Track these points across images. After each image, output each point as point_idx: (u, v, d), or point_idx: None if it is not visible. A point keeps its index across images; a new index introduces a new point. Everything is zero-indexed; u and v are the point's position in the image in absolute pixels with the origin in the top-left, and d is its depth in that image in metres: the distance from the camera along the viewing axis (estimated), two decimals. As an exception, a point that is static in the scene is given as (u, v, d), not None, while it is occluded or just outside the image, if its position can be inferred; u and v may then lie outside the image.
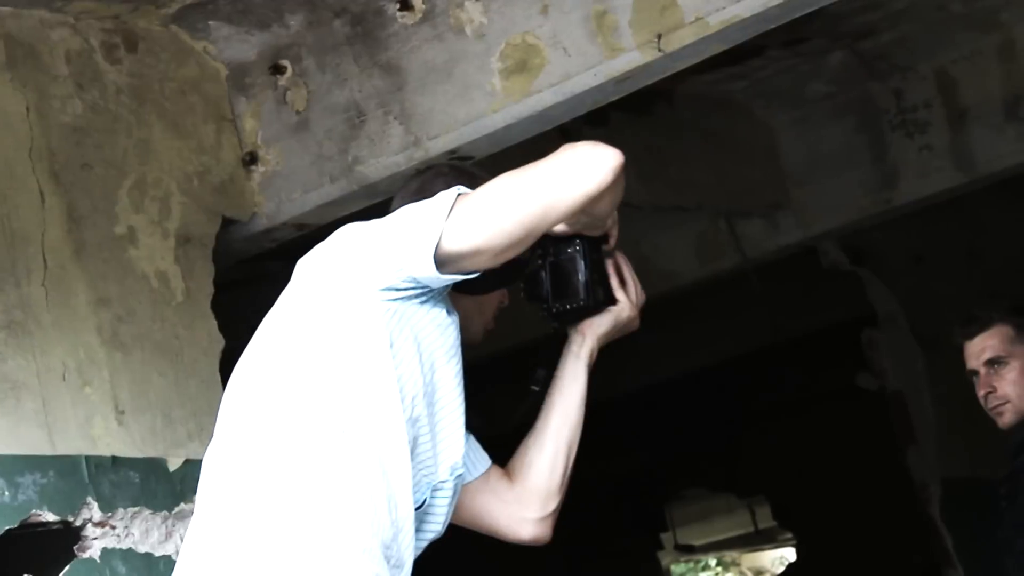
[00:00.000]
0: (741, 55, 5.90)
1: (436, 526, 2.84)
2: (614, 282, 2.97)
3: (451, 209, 2.59)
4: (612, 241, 2.96)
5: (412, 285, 2.62)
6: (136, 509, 4.05)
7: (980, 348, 4.31)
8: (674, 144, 6.01)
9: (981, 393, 4.31)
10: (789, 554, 14.33)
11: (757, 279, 6.43)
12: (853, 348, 7.49)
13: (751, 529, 14.86)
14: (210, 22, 4.46)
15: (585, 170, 2.57)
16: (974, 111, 6.09)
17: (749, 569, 17.86)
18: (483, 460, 2.99)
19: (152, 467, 4.10)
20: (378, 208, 3.65)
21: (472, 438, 2.93)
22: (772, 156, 6.35)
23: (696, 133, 6.12)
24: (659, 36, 3.98)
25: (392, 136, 4.34)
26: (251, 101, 4.57)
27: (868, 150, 6.27)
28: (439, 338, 2.70)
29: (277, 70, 4.53)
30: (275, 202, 4.54)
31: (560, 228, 2.81)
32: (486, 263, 2.63)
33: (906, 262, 7.09)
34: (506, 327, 3.07)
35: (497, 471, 3.00)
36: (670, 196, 5.94)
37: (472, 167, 3.10)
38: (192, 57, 4.53)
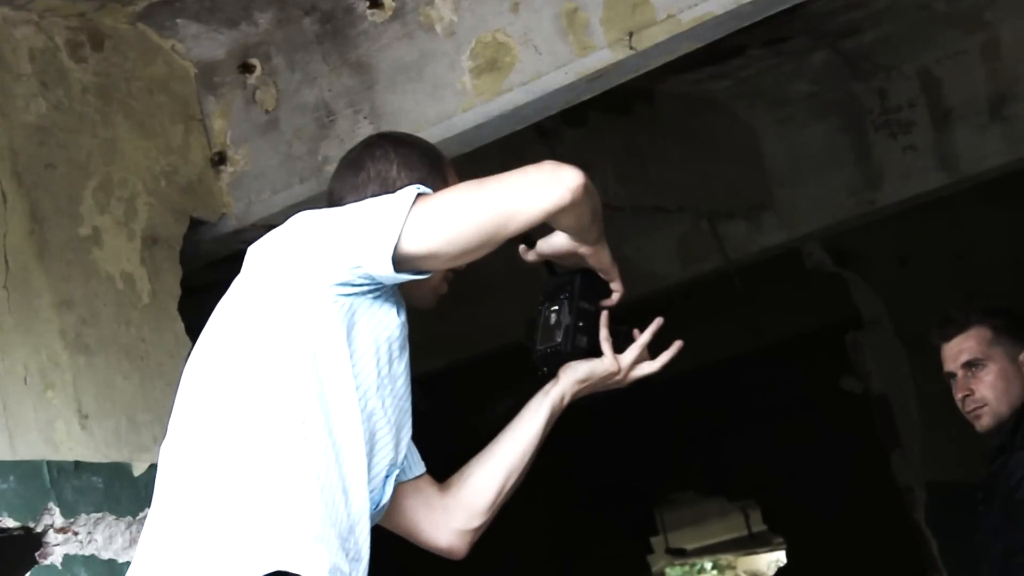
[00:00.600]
0: (722, 55, 5.85)
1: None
2: (603, 334, 2.99)
3: (411, 208, 2.62)
4: (615, 296, 2.99)
5: (366, 281, 2.66)
6: (99, 515, 3.99)
7: (957, 350, 4.25)
8: (655, 145, 5.94)
9: (958, 396, 4.25)
10: (782, 557, 14.28)
11: (740, 281, 6.37)
12: (839, 351, 7.43)
13: (745, 532, 14.82)
14: (178, 20, 4.40)
15: (545, 187, 2.63)
16: (958, 111, 6.03)
17: (745, 572, 17.84)
18: (419, 464, 3.02)
19: (116, 472, 4.04)
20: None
21: (411, 442, 2.94)
22: (755, 157, 6.29)
23: (677, 133, 6.06)
24: (630, 34, 3.92)
25: (362, 136, 4.24)
26: (220, 100, 4.51)
27: (852, 150, 6.21)
28: (392, 332, 2.73)
29: (246, 69, 4.47)
30: (244, 203, 4.48)
31: (556, 249, 2.89)
32: (440, 265, 2.70)
33: (891, 264, 7.02)
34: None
35: (430, 478, 3.03)
36: (650, 197, 5.87)
37: (409, 136, 3.11)
38: (160, 56, 4.46)
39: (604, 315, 3.00)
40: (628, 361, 3.03)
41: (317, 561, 2.54)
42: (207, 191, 4.47)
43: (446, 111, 4.17)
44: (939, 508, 7.06)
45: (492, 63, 4.10)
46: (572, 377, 3.01)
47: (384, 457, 2.75)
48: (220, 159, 4.48)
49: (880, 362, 7.28)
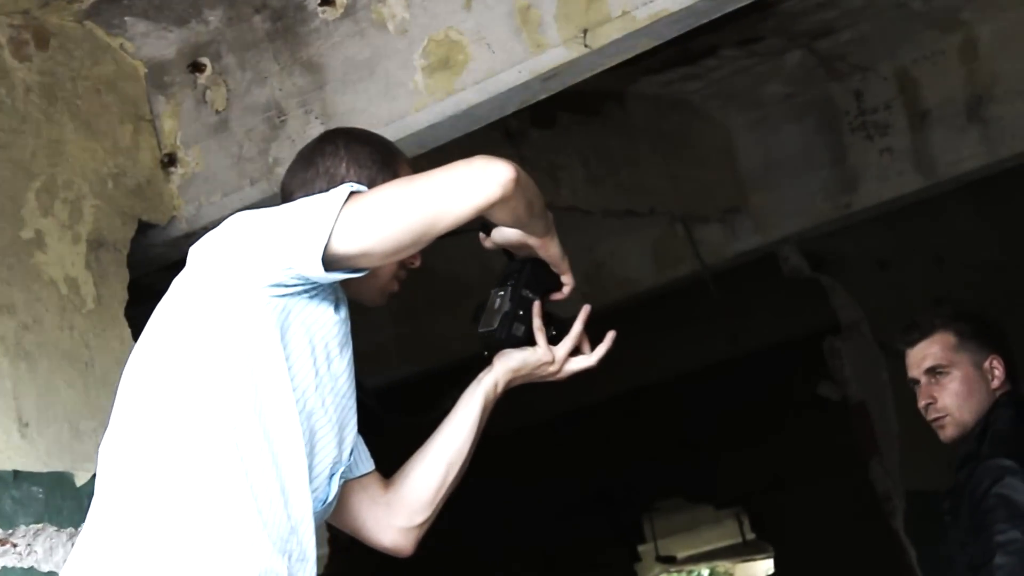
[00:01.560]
0: (694, 55, 5.76)
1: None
2: (537, 324, 3.00)
3: (342, 208, 2.61)
4: (566, 288, 3.02)
5: (300, 282, 2.65)
6: (39, 526, 3.88)
7: (921, 356, 4.14)
8: (625, 147, 5.84)
9: (922, 403, 4.14)
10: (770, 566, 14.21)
11: (715, 286, 6.27)
12: (818, 357, 7.33)
13: (739, 540, 14.77)
14: (126, 18, 4.29)
15: (474, 183, 2.62)
16: (935, 112, 5.92)
17: (742, 579, 17.73)
18: (367, 462, 3.00)
19: (58, 482, 3.94)
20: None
21: (361, 438, 2.94)
22: (729, 159, 6.19)
23: (649, 135, 5.96)
24: (585, 31, 3.83)
25: (313, 136, 4.14)
26: (170, 100, 4.40)
27: (827, 153, 6.11)
28: (331, 330, 2.71)
29: (196, 68, 4.37)
30: (194, 205, 4.38)
31: (508, 239, 2.92)
32: (374, 264, 2.67)
33: (870, 268, 6.91)
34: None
35: (377, 476, 3.01)
36: (621, 200, 5.77)
37: (364, 132, 3.10)
38: (108, 54, 4.36)
39: (537, 305, 2.99)
40: (563, 353, 3.03)
41: (244, 567, 2.53)
42: (156, 193, 4.36)
43: (399, 111, 4.08)
44: (918, 517, 6.95)
45: (445, 61, 4.01)
46: (506, 365, 3.02)
47: (327, 456, 2.74)
48: (170, 160, 4.37)
49: (858, 369, 7.17)
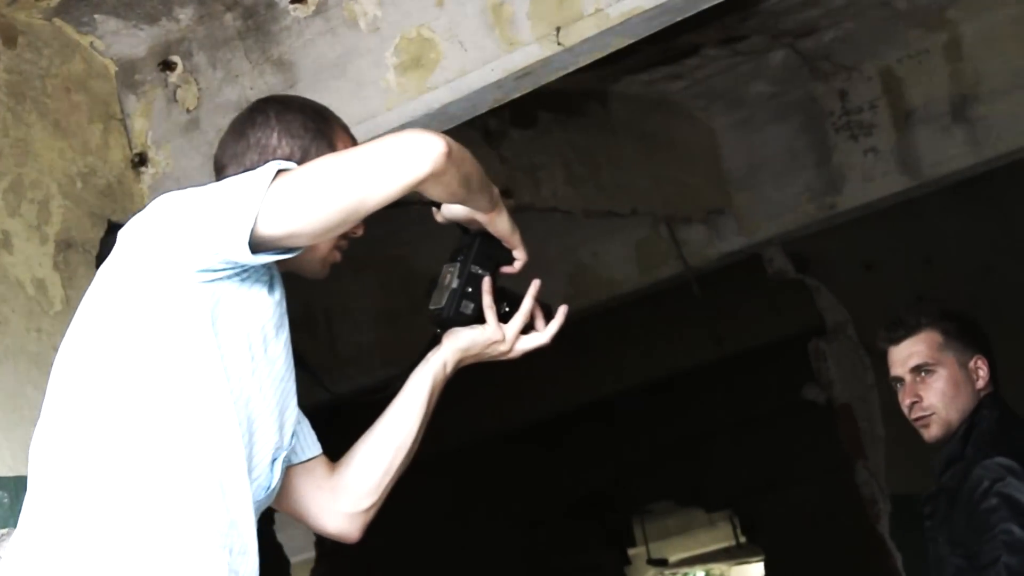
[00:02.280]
0: (677, 54, 5.71)
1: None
2: (487, 301, 2.89)
3: (268, 187, 2.52)
4: (518, 263, 2.91)
5: (229, 266, 2.57)
6: (4, 531, 3.82)
7: (907, 354, 4.06)
8: (607, 147, 5.78)
9: (906, 402, 4.06)
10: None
11: (699, 288, 6.21)
12: (803, 359, 7.28)
13: (733, 542, 14.74)
14: (96, 16, 4.24)
15: (403, 160, 2.52)
16: (920, 112, 5.87)
17: (737, 582, 17.71)
18: (312, 446, 2.91)
19: (23, 486, 3.85)
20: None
21: (307, 422, 2.87)
22: (713, 159, 6.13)
23: (631, 135, 5.90)
24: (558, 29, 3.77)
25: (282, 135, 4.11)
26: (141, 99, 4.35)
27: (812, 153, 6.05)
28: (265, 313, 2.64)
29: (167, 66, 4.31)
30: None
31: (456, 215, 2.83)
32: (303, 244, 2.58)
33: (856, 270, 6.84)
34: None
35: (324, 460, 2.91)
36: (602, 201, 5.71)
37: (296, 99, 2.96)
38: (78, 52, 4.30)
39: (487, 281, 2.88)
40: (513, 331, 2.91)
41: (182, 564, 2.46)
42: (126, 193, 4.30)
43: (370, 110, 4.02)
44: (904, 521, 6.89)
45: (417, 60, 3.95)
46: (454, 344, 2.90)
47: (267, 442, 2.65)
48: (141, 160, 4.31)
49: (843, 371, 7.11)
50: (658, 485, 11.21)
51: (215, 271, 2.56)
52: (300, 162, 2.68)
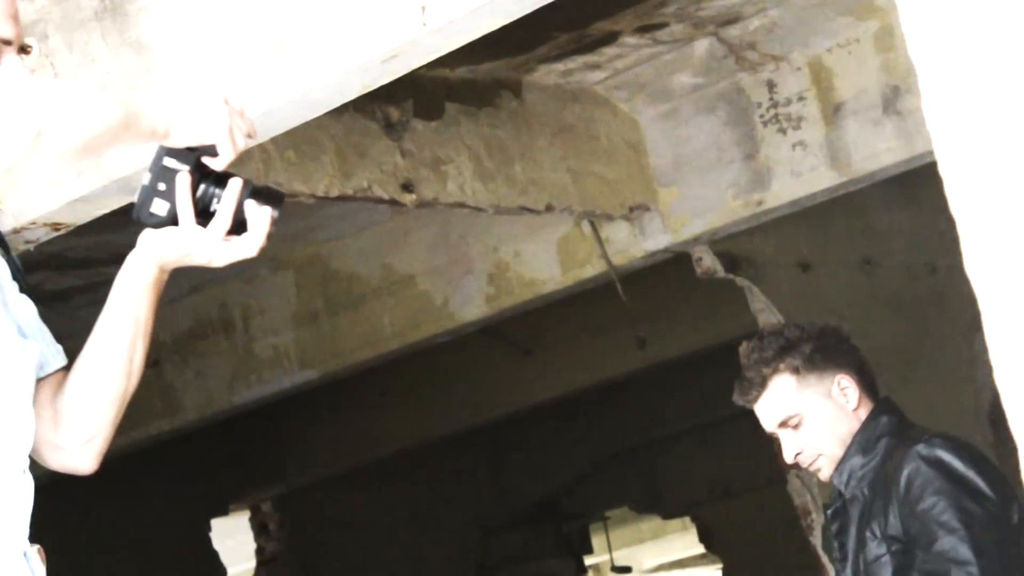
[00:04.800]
0: (592, 42, 5.43)
1: None
2: (182, 199, 2.46)
3: None
4: (223, 156, 2.45)
5: None
6: None
7: (766, 413, 3.79)
8: (520, 140, 5.50)
9: (790, 459, 3.81)
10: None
11: (624, 289, 5.94)
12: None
13: (694, 551, 14.58)
14: (-56, -5, 3.96)
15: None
16: (850, 104, 5.59)
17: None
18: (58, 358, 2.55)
19: None
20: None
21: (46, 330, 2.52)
22: (635, 153, 5.85)
23: (548, 128, 5.62)
24: (423, 8, 3.49)
25: (140, 123, 3.83)
26: (-5, 85, 4.07)
27: (738, 147, 5.77)
28: None
29: (22, 50, 4.01)
30: (20, 198, 4.06)
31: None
32: None
33: (791, 270, 6.55)
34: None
35: (52, 387, 2.52)
36: (514, 197, 5.43)
37: None
38: (-76, 34, 4.02)
39: (181, 177, 2.45)
40: (212, 236, 2.47)
41: None
42: (-25, 183, 4.03)
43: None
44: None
45: (279, 42, 3.68)
46: (150, 249, 2.50)
47: None
48: (-6, 151, 4.03)
49: (775, 376, 6.82)
50: (614, 492, 10.99)
51: None
52: None
